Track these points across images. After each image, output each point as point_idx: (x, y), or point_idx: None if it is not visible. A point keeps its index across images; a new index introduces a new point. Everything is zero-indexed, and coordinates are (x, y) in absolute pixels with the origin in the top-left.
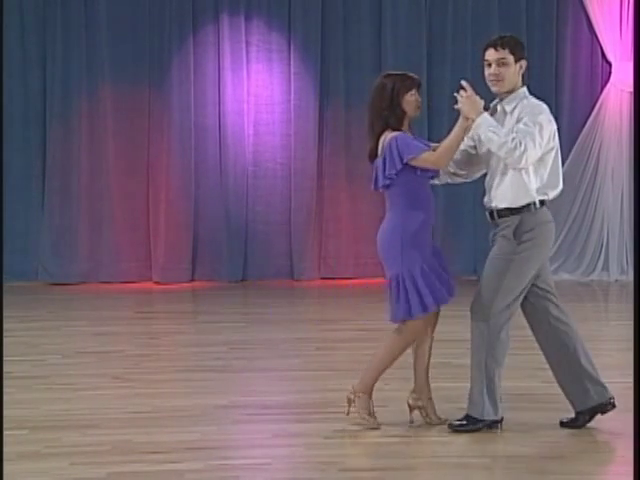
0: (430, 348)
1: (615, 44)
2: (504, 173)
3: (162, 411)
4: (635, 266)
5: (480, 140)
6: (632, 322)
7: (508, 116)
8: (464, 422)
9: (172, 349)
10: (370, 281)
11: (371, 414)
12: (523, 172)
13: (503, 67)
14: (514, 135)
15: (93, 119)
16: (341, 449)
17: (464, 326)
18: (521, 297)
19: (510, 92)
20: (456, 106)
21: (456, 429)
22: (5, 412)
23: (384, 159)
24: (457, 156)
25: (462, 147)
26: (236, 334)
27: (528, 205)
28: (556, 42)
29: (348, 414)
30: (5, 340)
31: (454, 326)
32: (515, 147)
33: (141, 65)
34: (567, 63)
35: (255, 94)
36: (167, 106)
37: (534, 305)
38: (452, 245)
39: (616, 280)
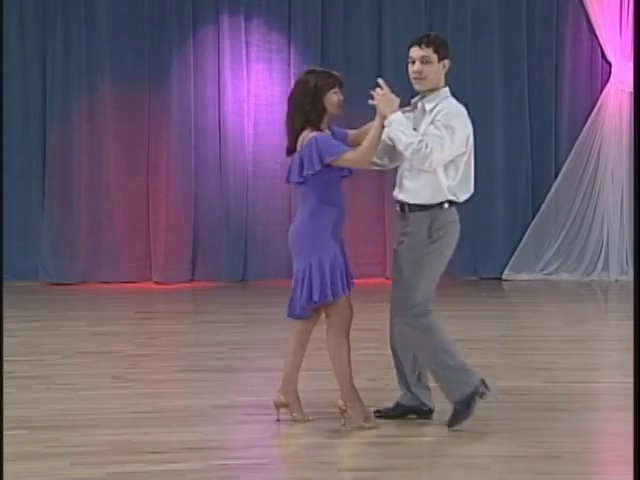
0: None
1: (615, 44)
2: (419, 170)
3: (162, 411)
4: (635, 266)
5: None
6: (632, 322)
7: (427, 114)
8: (455, 412)
9: (172, 349)
10: (370, 281)
11: (367, 418)
12: (439, 171)
13: (426, 65)
14: (421, 137)
15: (93, 119)
16: (341, 449)
17: (463, 326)
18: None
19: (432, 90)
20: (370, 101)
21: (452, 423)
22: (5, 412)
23: (302, 158)
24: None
25: (383, 136)
26: (236, 334)
27: (440, 204)
28: (556, 42)
29: (344, 424)
30: (5, 340)
31: (454, 326)
32: (420, 149)
33: (141, 65)
34: (567, 63)
35: (255, 94)
36: (167, 106)
37: None
38: None
39: (616, 280)
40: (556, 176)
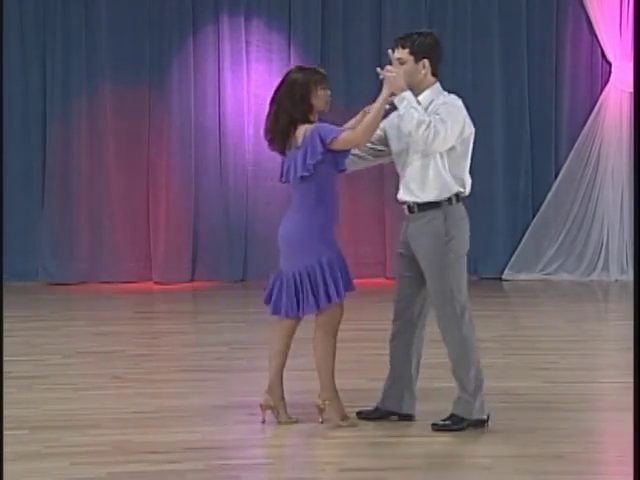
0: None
1: (615, 44)
2: (425, 167)
3: (162, 411)
4: (635, 266)
5: (399, 116)
6: (632, 322)
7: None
8: (448, 422)
9: (172, 349)
10: (370, 281)
11: (344, 417)
12: (441, 167)
13: (402, 67)
14: (431, 118)
15: (93, 119)
16: (341, 449)
17: None
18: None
19: (423, 90)
20: (379, 70)
21: (439, 429)
22: (5, 412)
23: (305, 149)
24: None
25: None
26: (236, 334)
27: (449, 199)
28: (556, 42)
29: (322, 422)
30: (5, 340)
31: None
32: (429, 127)
33: (141, 65)
34: (567, 63)
35: (255, 94)
36: (167, 106)
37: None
38: None
39: (616, 280)
40: (556, 176)
